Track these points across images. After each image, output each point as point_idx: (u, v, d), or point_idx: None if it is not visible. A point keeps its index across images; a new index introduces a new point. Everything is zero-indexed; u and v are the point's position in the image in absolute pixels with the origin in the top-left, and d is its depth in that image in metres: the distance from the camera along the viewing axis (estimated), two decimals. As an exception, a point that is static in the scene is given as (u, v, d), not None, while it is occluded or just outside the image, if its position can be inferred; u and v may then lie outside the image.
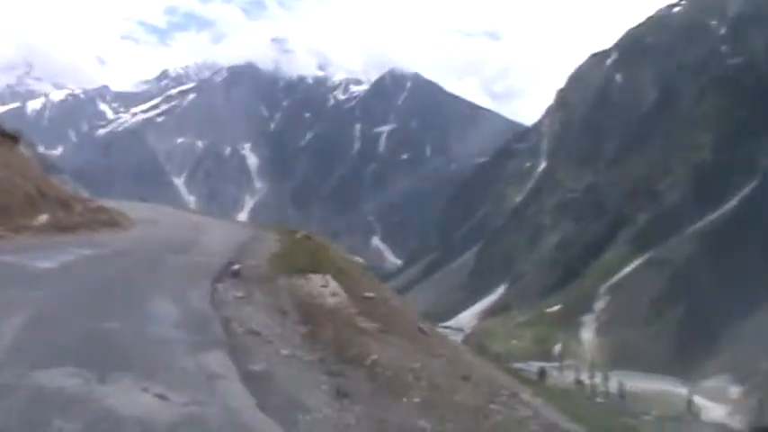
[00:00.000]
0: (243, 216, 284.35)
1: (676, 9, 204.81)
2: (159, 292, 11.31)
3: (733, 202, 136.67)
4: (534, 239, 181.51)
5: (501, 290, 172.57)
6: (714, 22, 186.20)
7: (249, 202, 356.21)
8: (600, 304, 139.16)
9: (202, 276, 13.32)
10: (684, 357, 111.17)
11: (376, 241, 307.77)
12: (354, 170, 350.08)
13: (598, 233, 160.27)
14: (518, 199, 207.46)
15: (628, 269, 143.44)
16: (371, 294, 15.90)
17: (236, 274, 13.87)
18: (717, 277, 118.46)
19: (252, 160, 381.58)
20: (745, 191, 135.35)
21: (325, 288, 13.62)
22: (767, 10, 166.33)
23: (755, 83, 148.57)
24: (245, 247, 19.59)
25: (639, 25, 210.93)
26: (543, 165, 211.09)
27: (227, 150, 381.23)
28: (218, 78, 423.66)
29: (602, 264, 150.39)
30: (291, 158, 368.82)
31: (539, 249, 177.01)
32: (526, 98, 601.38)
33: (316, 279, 14.20)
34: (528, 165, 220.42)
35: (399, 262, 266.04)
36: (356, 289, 15.47)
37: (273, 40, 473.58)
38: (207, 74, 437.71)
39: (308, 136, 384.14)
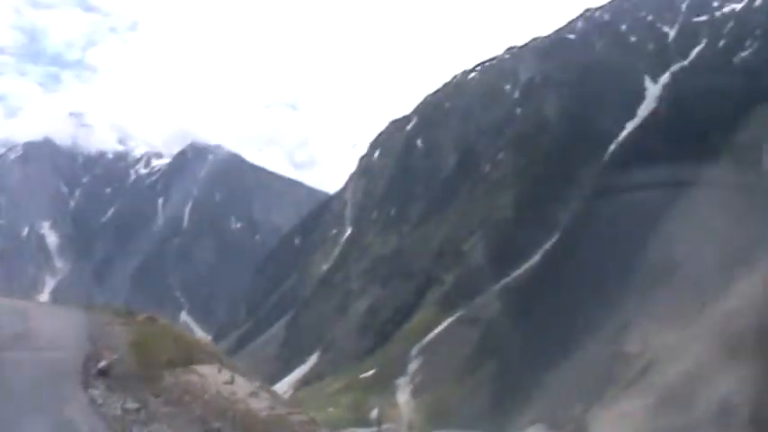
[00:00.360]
0: (44, 297, 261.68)
1: (472, 75, 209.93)
2: (18, 411, 8.56)
3: (535, 258, 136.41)
4: (343, 306, 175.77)
5: (314, 358, 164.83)
6: (508, 87, 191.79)
7: (50, 282, 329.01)
8: (413, 366, 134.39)
9: (65, 380, 10.60)
10: (499, 411, 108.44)
11: (184, 316, 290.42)
12: (158, 245, 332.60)
13: (407, 296, 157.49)
14: (325, 267, 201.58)
15: (438, 330, 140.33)
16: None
17: (104, 373, 11.26)
18: (524, 331, 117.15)
19: (51, 239, 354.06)
20: (547, 246, 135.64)
21: (230, 385, 11.99)
22: (556, 74, 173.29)
23: (550, 142, 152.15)
24: (92, 336, 16.90)
25: (437, 91, 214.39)
26: (349, 231, 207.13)
27: (25, 230, 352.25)
28: (13, 155, 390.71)
29: (413, 326, 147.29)
30: (93, 236, 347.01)
31: (349, 316, 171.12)
32: (328, 166, 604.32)
33: (210, 373, 12.55)
34: (334, 232, 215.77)
35: (209, 336, 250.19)
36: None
37: (71, 114, 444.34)
38: (1, 150, 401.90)
39: (110, 212, 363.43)
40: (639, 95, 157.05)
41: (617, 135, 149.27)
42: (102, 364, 12.51)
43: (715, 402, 72.31)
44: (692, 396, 74.72)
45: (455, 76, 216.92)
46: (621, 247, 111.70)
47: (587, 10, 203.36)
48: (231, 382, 12.32)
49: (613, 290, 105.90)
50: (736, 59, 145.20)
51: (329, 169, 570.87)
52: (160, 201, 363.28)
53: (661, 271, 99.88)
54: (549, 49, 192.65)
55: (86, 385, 11.12)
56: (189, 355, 14.10)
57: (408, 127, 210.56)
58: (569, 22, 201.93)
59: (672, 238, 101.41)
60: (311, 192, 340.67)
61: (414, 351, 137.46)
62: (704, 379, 74.72)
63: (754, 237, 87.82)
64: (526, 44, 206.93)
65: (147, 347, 15.25)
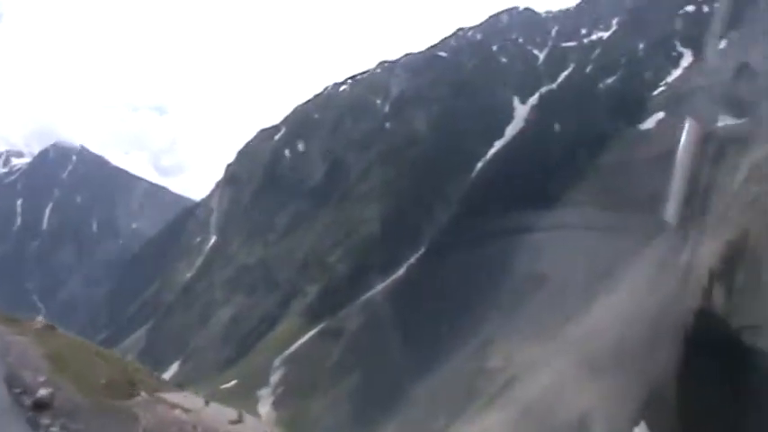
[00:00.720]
0: None
1: (343, 87, 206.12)
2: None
3: (400, 272, 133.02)
4: (206, 315, 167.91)
5: (174, 367, 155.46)
6: (378, 101, 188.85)
7: None
8: (275, 377, 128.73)
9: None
10: (362, 423, 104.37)
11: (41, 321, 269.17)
12: (16, 247, 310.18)
13: (271, 306, 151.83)
14: (189, 275, 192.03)
15: (301, 341, 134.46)
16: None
17: (45, 406, 8.54)
18: (388, 345, 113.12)
19: None
20: (412, 260, 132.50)
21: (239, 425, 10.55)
22: (426, 90, 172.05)
23: (418, 157, 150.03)
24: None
25: (308, 102, 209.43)
26: (213, 239, 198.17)
27: None
28: None
29: (276, 336, 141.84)
30: None
31: (211, 325, 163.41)
32: (195, 173, 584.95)
33: (194, 406, 10.93)
34: (198, 240, 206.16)
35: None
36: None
37: None
38: None
39: None
40: (508, 115, 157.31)
41: (485, 153, 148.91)
42: (42, 393, 10.04)
43: (575, 417, 70.17)
44: (552, 410, 72.42)
45: (326, 88, 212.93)
46: (487, 263, 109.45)
47: (460, 29, 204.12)
48: (239, 420, 11.27)
49: (479, 305, 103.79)
50: (601, 85, 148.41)
51: (196, 176, 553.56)
52: (19, 201, 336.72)
53: (526, 286, 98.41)
54: (420, 65, 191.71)
55: (35, 426, 8.39)
56: (128, 376, 12.57)
57: (277, 136, 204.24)
58: (442, 40, 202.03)
59: (538, 256, 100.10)
60: (176, 198, 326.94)
61: (276, 362, 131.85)
62: (565, 394, 72.68)
63: (616, 255, 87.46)
64: (398, 59, 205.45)
65: (71, 366, 12.94)
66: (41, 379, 11.75)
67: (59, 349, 14.98)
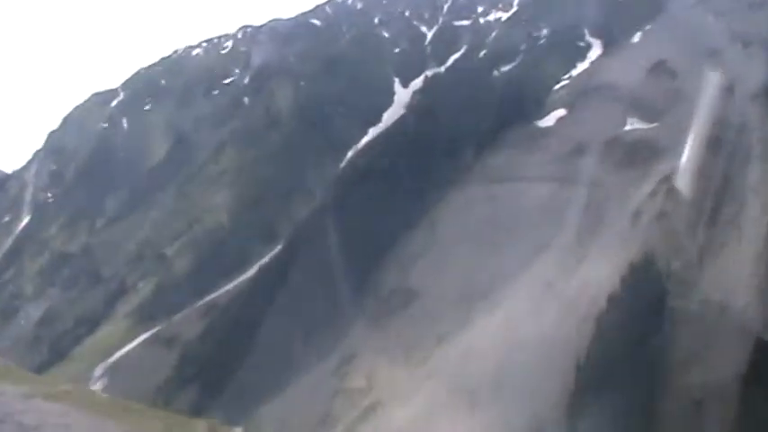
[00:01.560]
0: None
1: (196, 52, 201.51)
2: None
3: (251, 273, 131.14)
4: (12, 310, 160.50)
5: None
6: (237, 71, 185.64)
7: None
8: (96, 388, 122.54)
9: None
10: None
11: None
12: None
13: (93, 304, 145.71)
14: None
15: (129, 347, 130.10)
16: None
17: None
18: (232, 357, 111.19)
19: None
20: (265, 259, 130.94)
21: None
22: (293, 63, 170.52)
23: (280, 140, 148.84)
24: None
25: (153, 65, 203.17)
26: (26, 220, 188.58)
27: None
28: None
29: (98, 341, 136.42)
30: None
31: (17, 323, 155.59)
32: (6, 138, 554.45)
33: None
34: (6, 219, 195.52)
35: None
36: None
37: None
38: None
39: None
40: (387, 99, 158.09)
41: (357, 141, 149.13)
42: None
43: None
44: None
45: (176, 51, 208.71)
46: (351, 269, 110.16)
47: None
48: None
49: (340, 315, 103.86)
50: (496, 73, 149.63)
51: (6, 142, 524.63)
52: None
53: (395, 300, 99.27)
54: (289, 33, 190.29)
55: None
56: None
57: (113, 103, 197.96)
58: (316, 6, 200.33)
59: (409, 266, 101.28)
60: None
61: (97, 371, 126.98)
62: (436, 425, 73.55)
63: (497, 273, 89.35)
64: (263, 25, 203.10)
65: None
66: None
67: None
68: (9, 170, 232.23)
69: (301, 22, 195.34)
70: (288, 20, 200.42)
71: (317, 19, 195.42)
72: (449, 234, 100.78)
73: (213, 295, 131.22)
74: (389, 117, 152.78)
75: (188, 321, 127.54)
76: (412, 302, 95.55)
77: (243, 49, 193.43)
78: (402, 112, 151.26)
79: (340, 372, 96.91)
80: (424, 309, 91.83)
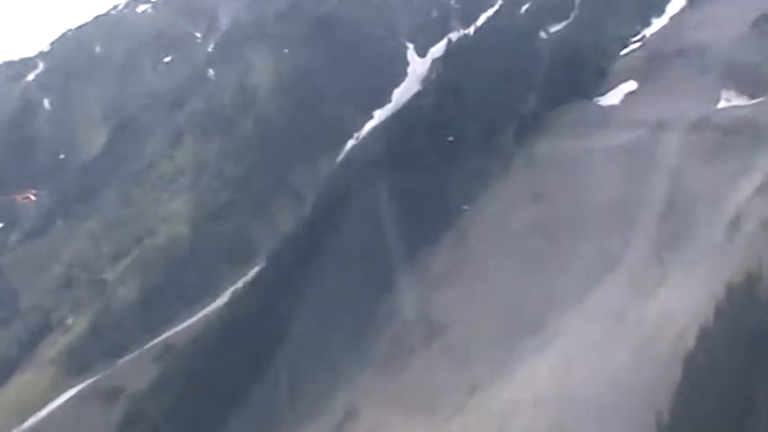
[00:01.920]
0: None
1: (143, 8, 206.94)
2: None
3: (220, 300, 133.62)
4: None
5: None
6: (198, 35, 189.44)
7: None
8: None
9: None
10: None
11: None
12: None
13: (6, 346, 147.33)
14: None
15: (55, 404, 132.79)
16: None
17: None
18: (199, 411, 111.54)
19: None
20: (239, 283, 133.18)
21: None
22: (272, 24, 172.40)
23: (256, 125, 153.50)
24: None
25: (84, 26, 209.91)
26: None
27: None
28: None
29: (13, 394, 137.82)
30: None
31: None
32: None
33: None
34: None
35: None
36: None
37: None
38: None
39: None
40: (398, 72, 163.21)
41: (358, 127, 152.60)
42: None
43: None
44: None
45: (115, 7, 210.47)
46: (357, 296, 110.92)
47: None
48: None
49: (341, 357, 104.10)
50: (542, 35, 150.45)
51: None
52: None
53: (414, 336, 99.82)
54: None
55: None
56: None
57: (31, 76, 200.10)
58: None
59: (432, 294, 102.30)
60: None
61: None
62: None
63: (548, 297, 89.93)
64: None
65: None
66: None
67: None
68: None
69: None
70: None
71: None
72: (483, 248, 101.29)
73: (169, 333, 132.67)
74: (401, 95, 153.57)
75: (135, 368, 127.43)
76: (435, 339, 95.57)
77: (206, 5, 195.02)
78: (417, 88, 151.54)
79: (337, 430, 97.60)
80: (452, 347, 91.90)
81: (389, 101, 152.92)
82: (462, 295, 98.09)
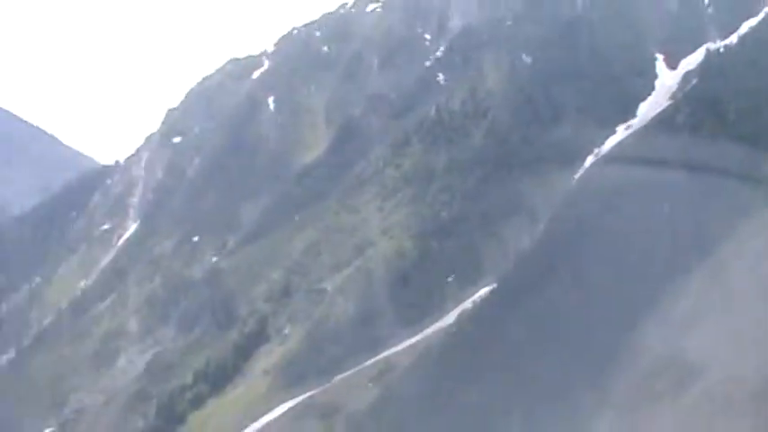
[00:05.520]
0: None
1: (371, 8, 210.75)
2: None
3: (446, 320, 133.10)
4: (107, 355, 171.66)
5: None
6: (427, 37, 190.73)
7: None
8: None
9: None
10: None
11: None
12: None
13: (222, 352, 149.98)
14: (83, 283, 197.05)
15: (269, 417, 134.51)
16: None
17: None
18: None
19: None
20: (467, 303, 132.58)
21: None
22: (507, 26, 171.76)
23: (486, 136, 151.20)
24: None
25: (309, 25, 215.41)
26: (132, 230, 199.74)
27: None
28: None
29: (227, 405, 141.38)
30: None
31: (114, 373, 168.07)
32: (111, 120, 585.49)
33: None
34: (104, 228, 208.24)
35: None
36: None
37: None
38: None
39: None
40: (645, 84, 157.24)
41: (599, 143, 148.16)
42: None
43: None
44: None
45: (344, 5, 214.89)
46: (595, 329, 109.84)
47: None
48: None
49: (577, 396, 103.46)
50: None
51: (109, 125, 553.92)
52: None
53: (663, 377, 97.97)
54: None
55: None
56: None
57: (256, 74, 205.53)
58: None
59: (683, 325, 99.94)
60: (72, 156, 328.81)
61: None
62: None
63: None
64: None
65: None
66: None
67: None
68: (112, 161, 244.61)
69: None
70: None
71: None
72: (743, 285, 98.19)
73: (390, 351, 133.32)
74: (648, 110, 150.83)
75: (354, 386, 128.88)
76: (690, 385, 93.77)
77: (438, 4, 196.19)
78: (667, 103, 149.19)
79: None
80: (711, 394, 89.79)
81: (634, 115, 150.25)
82: (720, 335, 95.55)
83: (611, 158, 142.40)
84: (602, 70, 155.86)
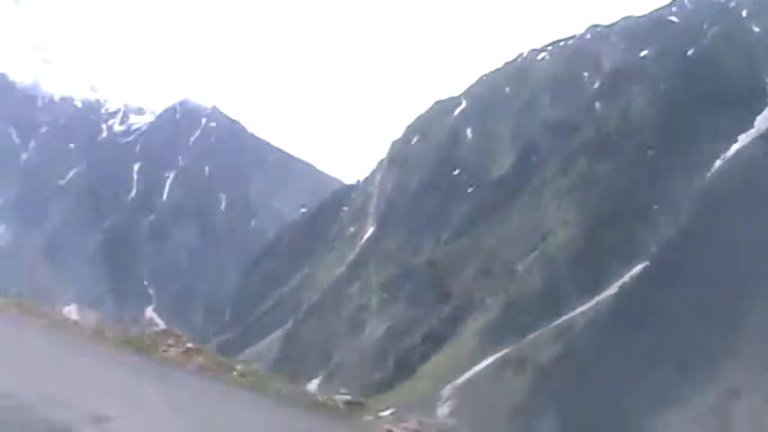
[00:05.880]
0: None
1: (542, 55, 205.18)
2: None
3: (609, 293, 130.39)
4: (357, 324, 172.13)
5: (314, 384, 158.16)
6: (586, 74, 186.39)
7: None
8: (443, 410, 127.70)
9: None
10: None
11: (150, 312, 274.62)
12: (129, 220, 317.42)
13: (439, 321, 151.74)
14: (338, 271, 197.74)
15: (476, 368, 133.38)
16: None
17: None
18: (589, 387, 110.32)
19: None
20: (625, 278, 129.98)
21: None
22: (649, 64, 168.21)
23: (636, 148, 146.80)
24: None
25: (496, 71, 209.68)
26: (371, 231, 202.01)
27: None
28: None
29: (444, 360, 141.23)
30: (47, 200, 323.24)
31: (363, 337, 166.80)
32: (349, 149, 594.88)
33: None
34: (351, 230, 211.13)
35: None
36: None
37: (35, 47, 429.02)
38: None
39: (72, 173, 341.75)
40: (759, 102, 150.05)
41: (724, 150, 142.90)
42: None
43: None
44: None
45: (520, 55, 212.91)
46: (728, 291, 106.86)
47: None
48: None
49: (716, 346, 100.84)
50: None
51: (350, 153, 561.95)
52: (136, 166, 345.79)
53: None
54: (642, 31, 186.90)
55: None
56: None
57: (456, 111, 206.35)
58: (672, 1, 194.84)
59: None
60: (325, 178, 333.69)
61: (445, 392, 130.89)
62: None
63: None
64: (614, 23, 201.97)
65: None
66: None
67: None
68: (354, 180, 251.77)
69: (656, 18, 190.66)
70: (641, 17, 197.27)
71: (674, 15, 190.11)
72: None
73: (567, 316, 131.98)
74: (762, 123, 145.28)
75: (540, 344, 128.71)
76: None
77: (592, 50, 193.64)
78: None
79: (720, 410, 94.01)
80: None
81: (752, 126, 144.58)
82: None
83: (734, 160, 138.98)
84: (724, 93, 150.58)
